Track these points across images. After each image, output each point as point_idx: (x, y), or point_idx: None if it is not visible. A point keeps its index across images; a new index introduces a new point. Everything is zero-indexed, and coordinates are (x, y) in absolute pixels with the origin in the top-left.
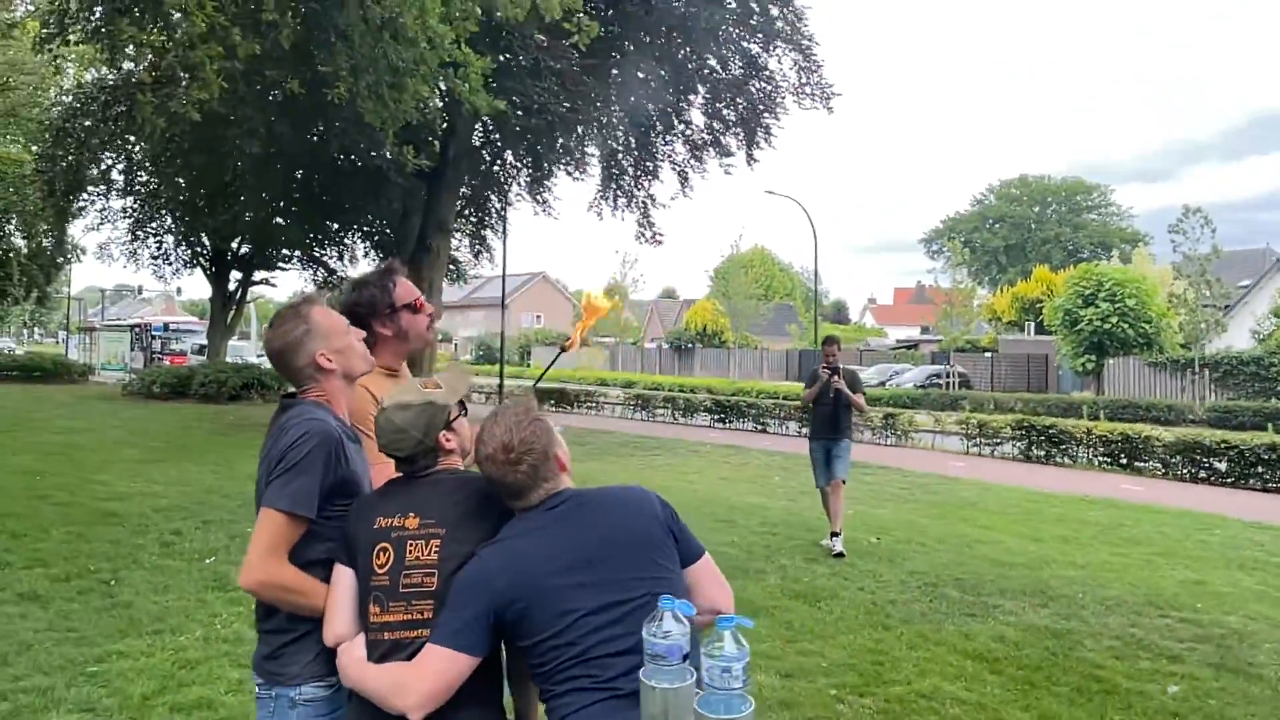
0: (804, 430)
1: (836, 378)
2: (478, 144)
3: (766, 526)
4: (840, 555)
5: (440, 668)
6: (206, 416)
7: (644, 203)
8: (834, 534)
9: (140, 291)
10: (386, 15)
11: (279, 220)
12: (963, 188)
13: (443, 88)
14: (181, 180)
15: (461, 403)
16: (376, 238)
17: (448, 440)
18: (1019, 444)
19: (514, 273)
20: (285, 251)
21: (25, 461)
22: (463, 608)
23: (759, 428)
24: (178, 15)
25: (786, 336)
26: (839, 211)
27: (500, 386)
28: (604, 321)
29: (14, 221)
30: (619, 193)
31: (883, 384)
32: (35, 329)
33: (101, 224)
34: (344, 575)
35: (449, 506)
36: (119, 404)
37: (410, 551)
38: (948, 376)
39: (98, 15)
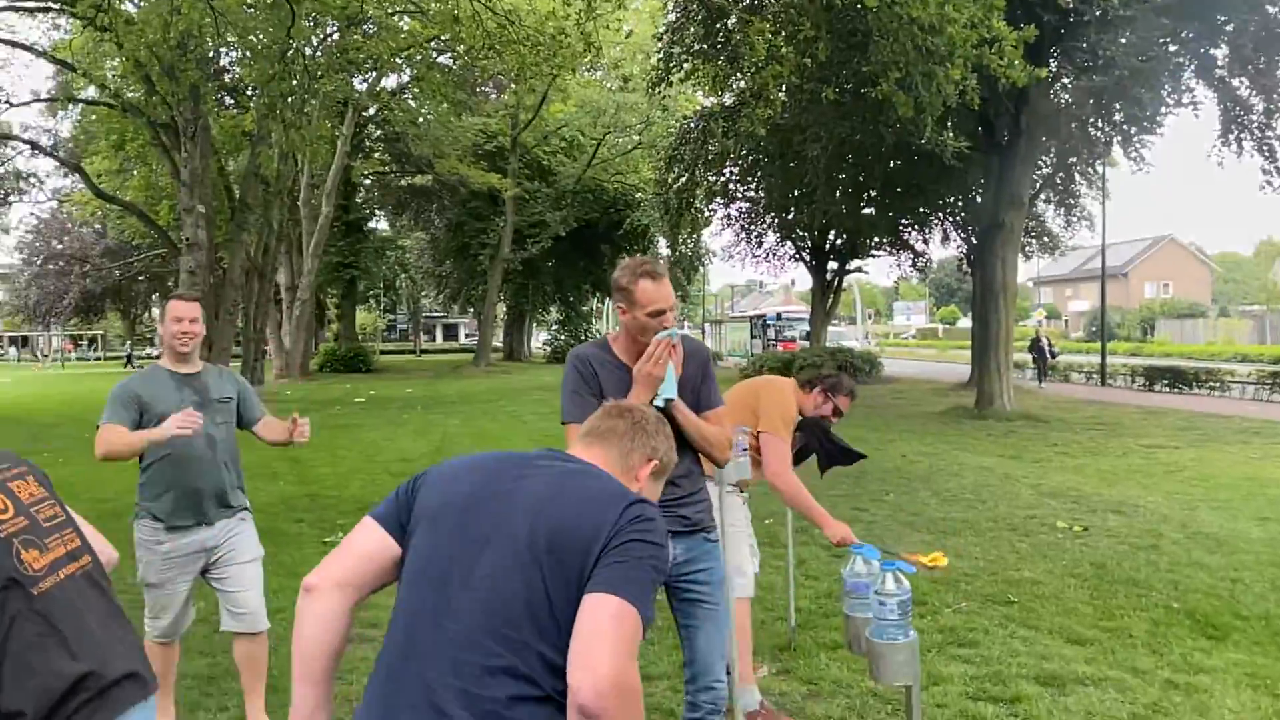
0: None
1: None
2: (1061, 106)
3: None
4: None
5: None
6: None
7: (1270, 145)
8: None
9: (762, 286)
10: (906, 14)
11: (866, 210)
12: None
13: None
14: (772, 187)
15: None
16: (955, 217)
17: None
18: None
19: (1134, 238)
20: (876, 238)
21: None
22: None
23: None
24: (745, 48)
25: None
26: None
27: (1103, 366)
28: (1247, 287)
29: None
30: (1242, 134)
31: None
32: (685, 323)
33: (722, 230)
34: None
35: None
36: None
37: (20, 491)
38: None
39: (688, 63)
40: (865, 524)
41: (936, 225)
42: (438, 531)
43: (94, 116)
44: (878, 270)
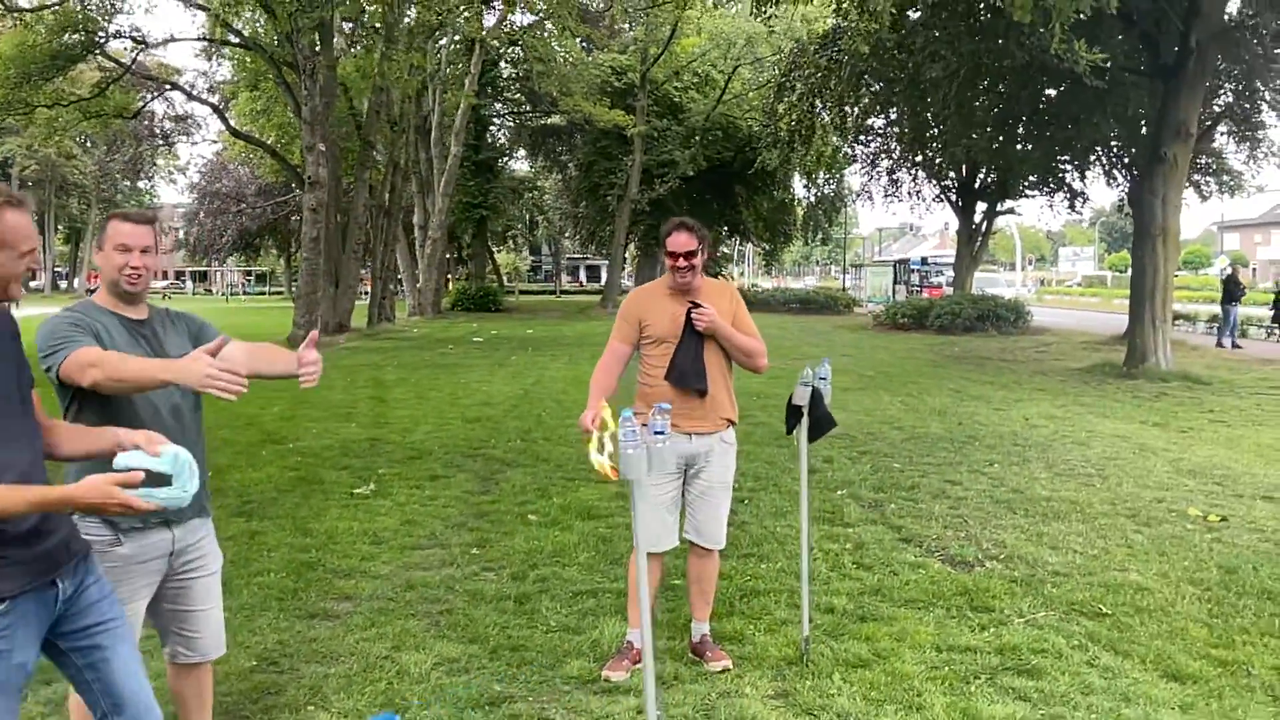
0: None
1: None
2: (1242, 19)
3: None
4: None
5: None
6: (933, 346)
7: None
8: None
9: (915, 229)
10: None
11: (1017, 145)
12: None
13: None
14: (901, 117)
15: None
16: (1115, 153)
17: None
18: None
19: None
20: (1032, 177)
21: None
22: None
23: None
24: None
25: None
26: None
27: None
28: None
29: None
30: None
31: None
32: (831, 267)
33: (863, 169)
34: None
35: None
36: (863, 334)
37: None
38: None
39: None
40: (953, 500)
41: (1095, 162)
42: None
43: (235, 59)
44: (1035, 212)
